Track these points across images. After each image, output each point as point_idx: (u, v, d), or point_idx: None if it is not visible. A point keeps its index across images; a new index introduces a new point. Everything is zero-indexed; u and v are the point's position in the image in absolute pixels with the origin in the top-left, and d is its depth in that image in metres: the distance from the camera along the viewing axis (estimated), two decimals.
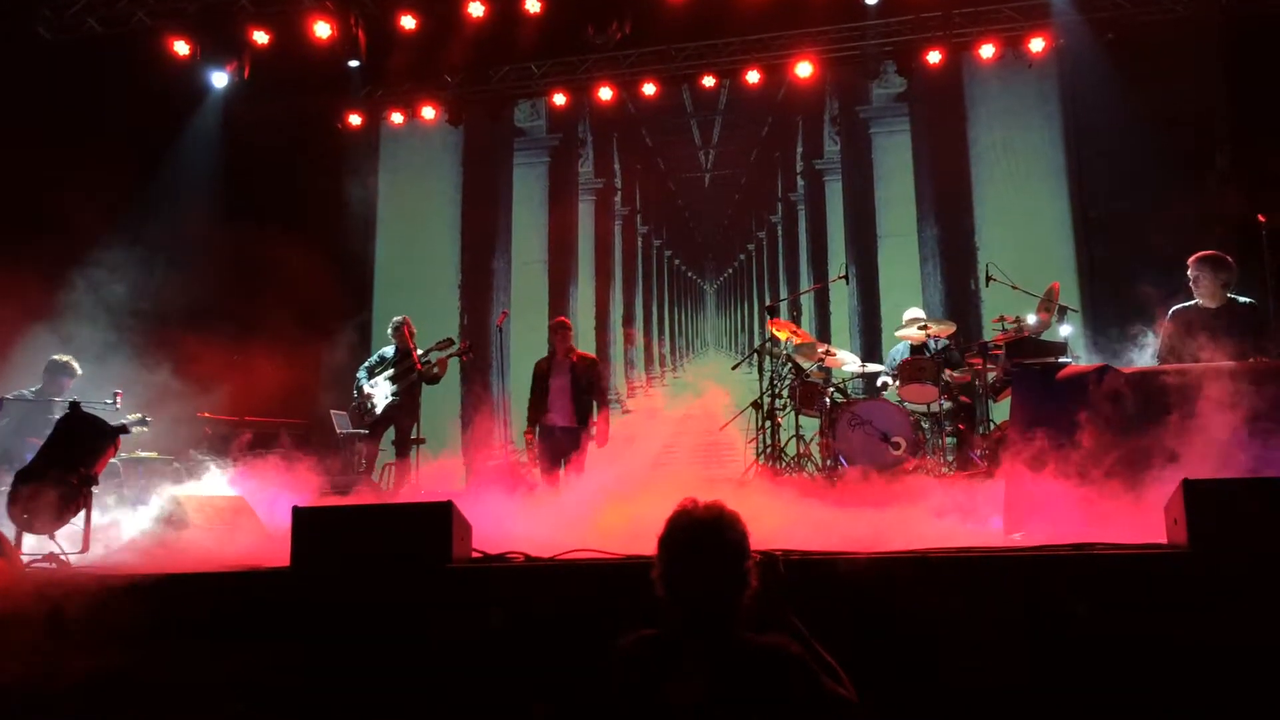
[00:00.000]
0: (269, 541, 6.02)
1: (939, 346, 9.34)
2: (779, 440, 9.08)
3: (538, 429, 9.36)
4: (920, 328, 9.10)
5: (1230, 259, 6.70)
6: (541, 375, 9.53)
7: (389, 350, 9.93)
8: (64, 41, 11.16)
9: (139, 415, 8.27)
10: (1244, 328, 6.51)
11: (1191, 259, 6.76)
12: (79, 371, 8.45)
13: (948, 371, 8.92)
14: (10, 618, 4.37)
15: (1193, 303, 6.77)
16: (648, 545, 2.98)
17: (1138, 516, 4.62)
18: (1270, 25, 9.98)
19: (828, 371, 9.52)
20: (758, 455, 9.12)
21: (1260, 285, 7.07)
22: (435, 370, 9.62)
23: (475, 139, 13.72)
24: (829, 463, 8.73)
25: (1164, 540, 4.27)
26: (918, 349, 9.34)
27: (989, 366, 8.50)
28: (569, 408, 9.27)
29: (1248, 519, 3.89)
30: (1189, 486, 4.07)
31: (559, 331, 9.64)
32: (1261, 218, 7.19)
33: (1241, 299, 6.71)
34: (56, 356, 8.44)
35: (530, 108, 13.74)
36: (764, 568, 3.04)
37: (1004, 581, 3.93)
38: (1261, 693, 3.63)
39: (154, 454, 8.86)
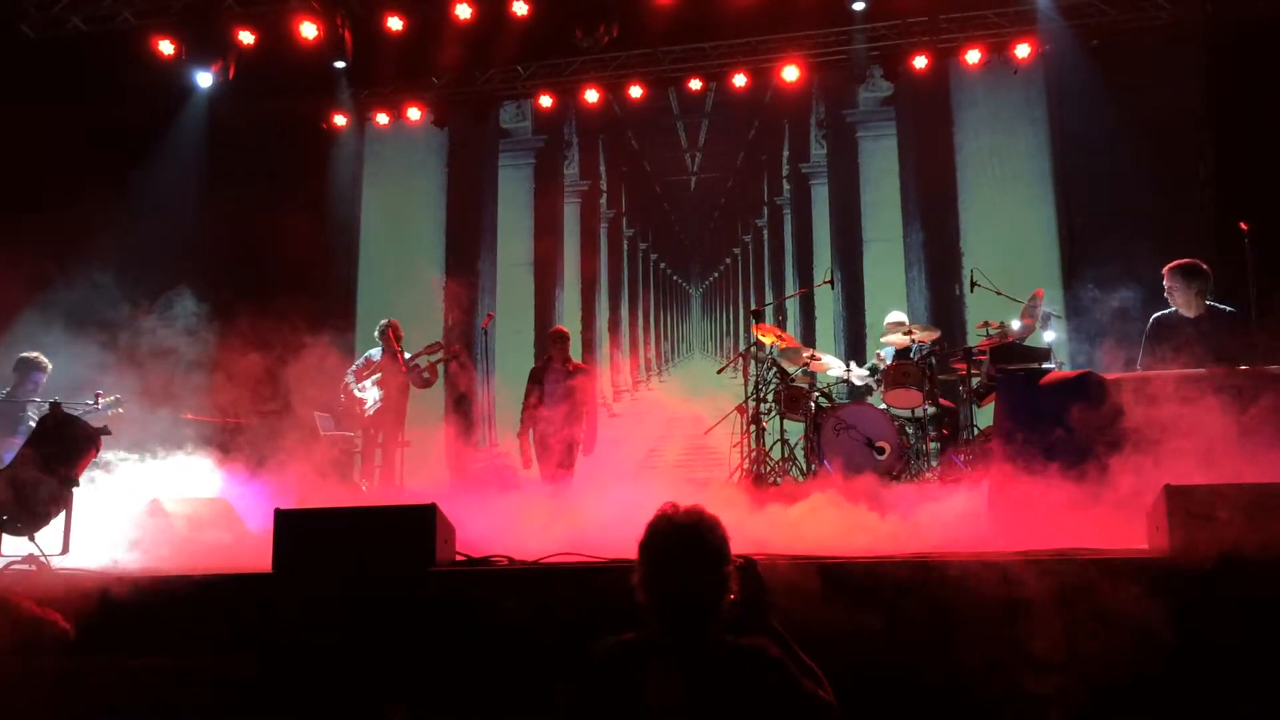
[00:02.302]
0: (251, 544, 6.00)
1: (924, 352, 9.35)
2: (764, 444, 9.09)
3: (532, 435, 9.54)
4: (905, 333, 9.11)
5: (1204, 266, 6.75)
6: (536, 381, 9.75)
7: (375, 352, 9.93)
8: (47, 39, 11.08)
9: (114, 397, 8.18)
10: (1224, 335, 6.55)
11: (1165, 269, 6.81)
12: (49, 365, 8.37)
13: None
14: None
15: (1174, 310, 6.81)
16: (631, 549, 2.98)
17: (1120, 521, 4.64)
18: (1252, 33, 10.03)
19: (813, 376, 9.53)
20: (742, 459, 9.12)
21: (1243, 292, 7.11)
22: (427, 376, 9.69)
23: (460, 140, 13.69)
24: (813, 467, 8.74)
25: (1146, 545, 4.29)
26: (902, 353, 9.34)
27: (973, 372, 8.52)
28: (561, 414, 9.38)
29: (1227, 524, 3.91)
30: (1170, 491, 4.09)
31: (558, 341, 9.93)
32: (1244, 225, 7.22)
33: (1223, 306, 6.76)
34: (25, 354, 8.34)
35: (516, 109, 13.72)
36: (744, 571, 3.04)
37: (987, 585, 3.93)
38: (1240, 695, 3.65)
39: (136, 455, 8.80)
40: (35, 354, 8.36)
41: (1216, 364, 5.98)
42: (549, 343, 10.06)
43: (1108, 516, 4.77)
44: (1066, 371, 6.63)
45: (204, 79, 11.57)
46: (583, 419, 9.65)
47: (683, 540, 2.88)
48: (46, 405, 6.84)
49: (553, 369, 9.74)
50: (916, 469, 8.69)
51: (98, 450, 6.40)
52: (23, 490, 5.81)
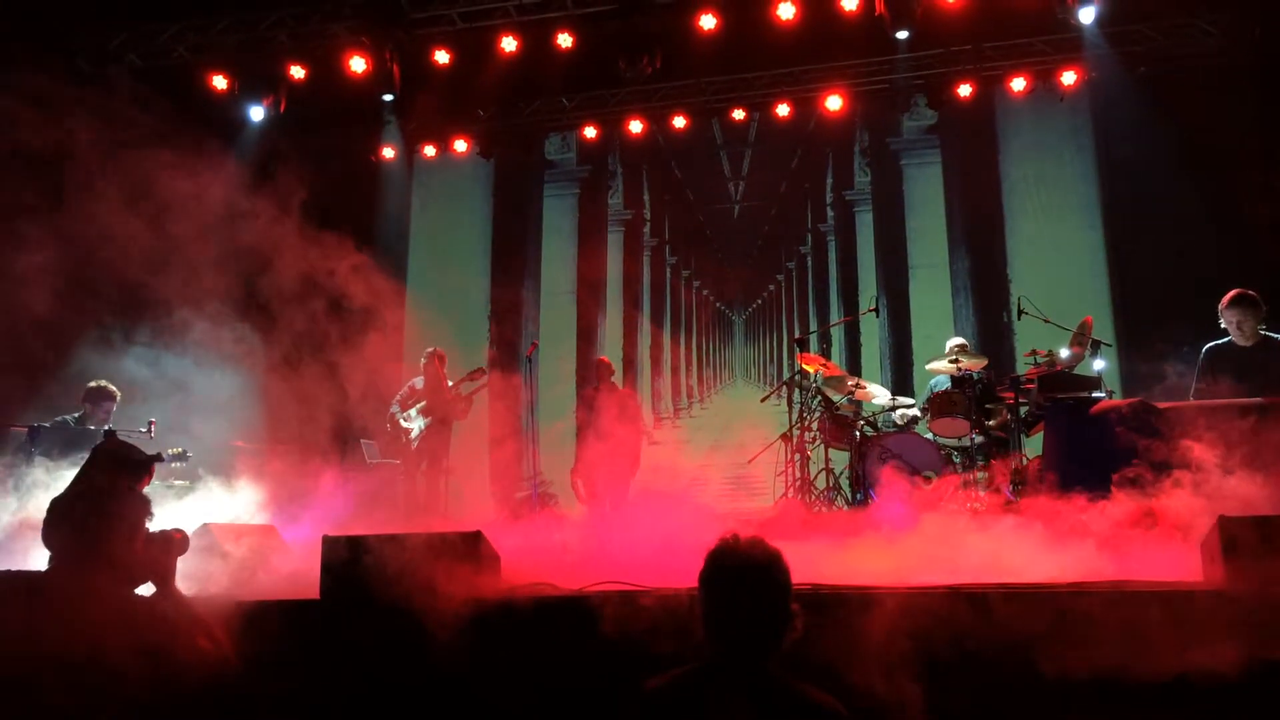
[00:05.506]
0: (299, 571, 6.04)
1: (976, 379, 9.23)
2: (808, 473, 9.04)
3: (580, 465, 9.72)
4: (951, 360, 9.03)
5: (1258, 296, 6.67)
6: (585, 410, 10.12)
7: (418, 381, 10.01)
8: (104, 75, 11.34)
9: (179, 449, 8.30)
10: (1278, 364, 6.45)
11: (1225, 298, 6.72)
12: (118, 394, 8.53)
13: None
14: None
15: (1227, 340, 6.72)
16: (675, 577, 2.97)
17: (1173, 552, 4.57)
18: None
19: (858, 404, 9.47)
20: (786, 488, 9.07)
21: None
22: (463, 406, 9.79)
23: (506, 171, 13.84)
24: (858, 496, 8.67)
25: (1200, 577, 4.21)
26: (958, 382, 9.22)
27: (1021, 401, 8.42)
28: (607, 441, 9.42)
29: None
30: (1225, 522, 4.02)
31: (598, 369, 10.33)
32: None
33: (1275, 335, 6.66)
34: (94, 383, 8.47)
35: (561, 140, 13.85)
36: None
37: (1038, 615, 3.88)
38: None
39: (186, 482, 8.92)
40: (104, 383, 8.48)
41: (1272, 393, 5.89)
42: (594, 372, 10.41)
43: (1160, 547, 4.70)
44: (1117, 400, 6.55)
45: (256, 113, 11.80)
46: (627, 445, 9.68)
47: (749, 573, 2.83)
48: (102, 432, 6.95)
49: (599, 397, 9.94)
50: (963, 497, 8.58)
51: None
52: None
